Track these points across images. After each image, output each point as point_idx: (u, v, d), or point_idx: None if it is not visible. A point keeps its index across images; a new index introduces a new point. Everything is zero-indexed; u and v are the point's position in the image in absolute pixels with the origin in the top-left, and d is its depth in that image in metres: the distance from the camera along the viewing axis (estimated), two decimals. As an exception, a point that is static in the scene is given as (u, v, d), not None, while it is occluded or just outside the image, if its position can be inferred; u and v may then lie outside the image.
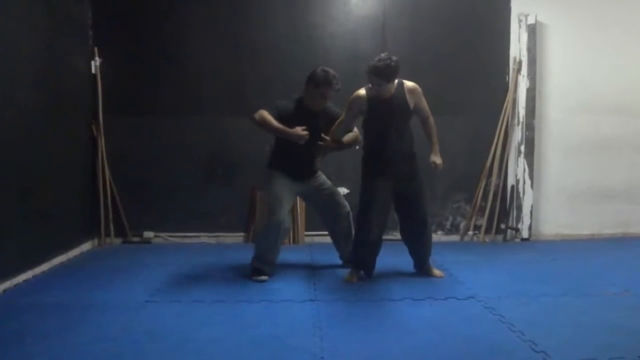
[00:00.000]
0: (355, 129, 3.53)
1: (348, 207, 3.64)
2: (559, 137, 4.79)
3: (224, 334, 2.47)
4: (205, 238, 4.67)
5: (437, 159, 3.32)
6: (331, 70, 3.34)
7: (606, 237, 4.82)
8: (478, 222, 4.81)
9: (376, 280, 3.38)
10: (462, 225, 4.83)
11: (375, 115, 3.25)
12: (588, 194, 4.81)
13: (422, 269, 3.50)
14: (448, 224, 4.83)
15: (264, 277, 3.36)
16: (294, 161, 3.45)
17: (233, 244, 4.59)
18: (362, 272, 3.42)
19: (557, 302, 2.94)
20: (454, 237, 4.82)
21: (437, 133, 3.38)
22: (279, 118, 3.31)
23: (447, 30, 4.69)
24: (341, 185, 4.67)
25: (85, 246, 4.35)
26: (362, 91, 3.26)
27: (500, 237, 4.81)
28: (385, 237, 4.69)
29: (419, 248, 3.48)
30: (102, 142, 4.48)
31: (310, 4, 4.61)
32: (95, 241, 4.53)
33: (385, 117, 3.22)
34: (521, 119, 4.68)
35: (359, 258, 3.41)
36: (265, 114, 3.29)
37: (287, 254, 4.11)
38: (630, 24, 4.77)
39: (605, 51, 4.74)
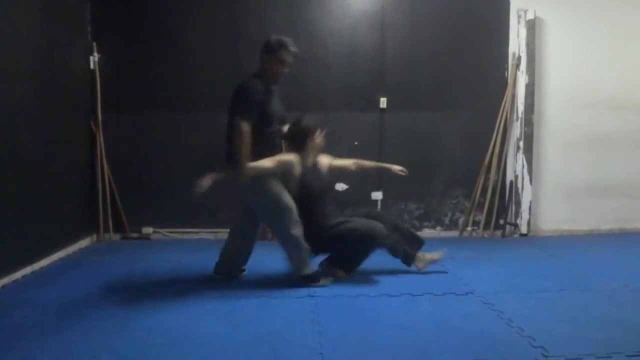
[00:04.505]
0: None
1: None
2: (557, 133, 4.78)
3: (222, 329, 2.47)
4: (204, 234, 4.67)
5: (393, 167, 3.51)
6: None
7: (605, 232, 4.82)
8: (477, 218, 4.82)
9: (374, 276, 3.37)
10: (460, 221, 4.83)
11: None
12: (586, 190, 4.82)
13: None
14: (447, 220, 4.83)
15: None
16: None
17: (232, 240, 4.58)
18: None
19: (555, 298, 2.95)
20: (453, 233, 4.83)
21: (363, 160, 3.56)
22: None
23: (446, 26, 4.68)
24: (340, 181, 4.68)
25: (84, 242, 4.34)
26: (294, 158, 3.11)
27: (499, 233, 4.81)
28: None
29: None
30: (100, 138, 4.47)
31: (309, -1, 4.61)
32: (94, 237, 4.53)
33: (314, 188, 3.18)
34: (520, 115, 4.68)
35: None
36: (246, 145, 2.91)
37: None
38: (630, 19, 4.75)
39: (605, 47, 4.73)
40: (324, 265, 3.35)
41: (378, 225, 3.15)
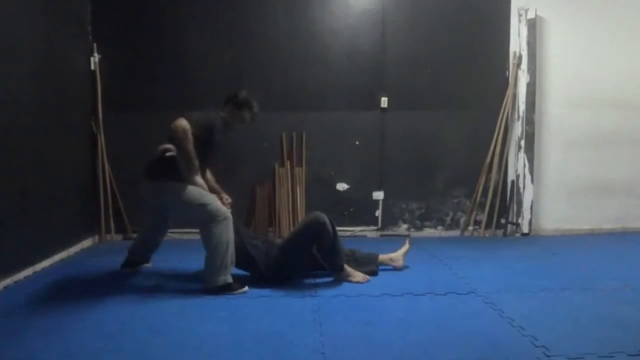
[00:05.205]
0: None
1: None
2: (559, 132, 4.78)
3: (224, 329, 2.47)
4: (205, 234, 4.66)
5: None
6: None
7: (606, 231, 4.82)
8: (478, 217, 4.82)
9: (376, 275, 3.37)
10: (462, 221, 4.83)
11: None
12: (588, 189, 4.81)
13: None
14: (448, 219, 4.83)
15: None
16: None
17: (233, 240, 4.58)
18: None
19: (557, 297, 2.95)
20: (454, 233, 4.83)
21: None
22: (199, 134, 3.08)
23: (447, 25, 4.68)
24: (341, 181, 4.68)
25: (86, 242, 4.35)
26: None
27: (500, 232, 4.81)
28: (385, 232, 4.73)
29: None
30: (101, 139, 4.48)
31: (310, -2, 4.61)
32: (96, 237, 4.53)
33: None
34: (521, 114, 4.67)
35: None
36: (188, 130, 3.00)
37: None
38: (630, 18, 4.75)
39: (605, 45, 4.73)
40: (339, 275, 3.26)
41: (313, 213, 3.22)
